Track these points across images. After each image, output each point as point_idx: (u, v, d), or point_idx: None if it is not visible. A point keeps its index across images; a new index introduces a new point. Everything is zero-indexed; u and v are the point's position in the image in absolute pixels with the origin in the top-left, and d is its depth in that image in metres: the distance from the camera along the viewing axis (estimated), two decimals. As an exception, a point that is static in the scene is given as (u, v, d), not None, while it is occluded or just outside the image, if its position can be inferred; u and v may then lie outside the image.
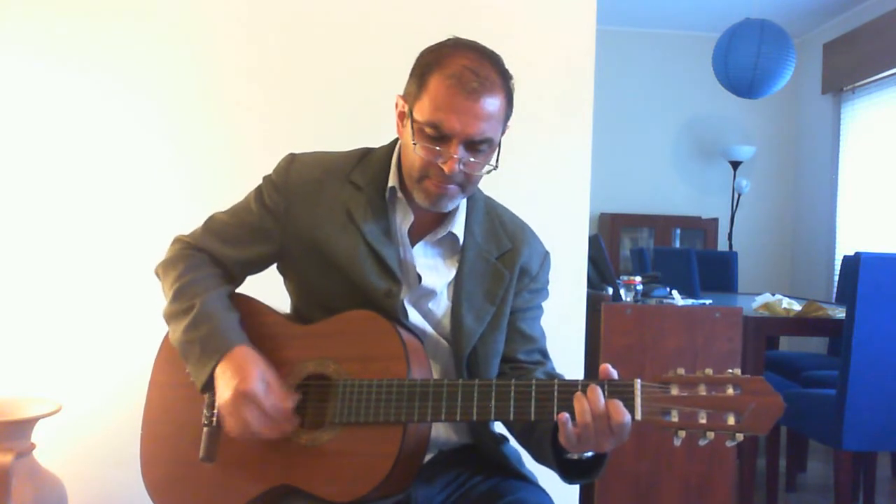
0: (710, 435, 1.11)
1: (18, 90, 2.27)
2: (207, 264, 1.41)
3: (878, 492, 3.40)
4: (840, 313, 3.17)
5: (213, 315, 1.33)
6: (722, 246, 6.16)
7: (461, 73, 1.24)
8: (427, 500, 1.35)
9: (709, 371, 1.14)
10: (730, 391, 1.12)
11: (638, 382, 1.14)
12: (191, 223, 1.51)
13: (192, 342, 1.32)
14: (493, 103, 1.26)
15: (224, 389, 1.26)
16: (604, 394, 1.15)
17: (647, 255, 5.13)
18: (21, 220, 2.26)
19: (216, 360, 1.28)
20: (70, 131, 2.28)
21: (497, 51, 1.33)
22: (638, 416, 1.13)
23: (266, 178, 1.43)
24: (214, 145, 2.31)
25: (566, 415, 1.15)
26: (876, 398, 2.68)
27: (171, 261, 1.42)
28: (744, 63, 4.53)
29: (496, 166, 1.32)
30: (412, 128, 1.28)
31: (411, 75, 1.32)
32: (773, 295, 3.55)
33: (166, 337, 1.42)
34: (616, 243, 6.03)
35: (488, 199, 1.49)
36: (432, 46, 1.31)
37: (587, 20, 2.36)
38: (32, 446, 2.05)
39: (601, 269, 2.86)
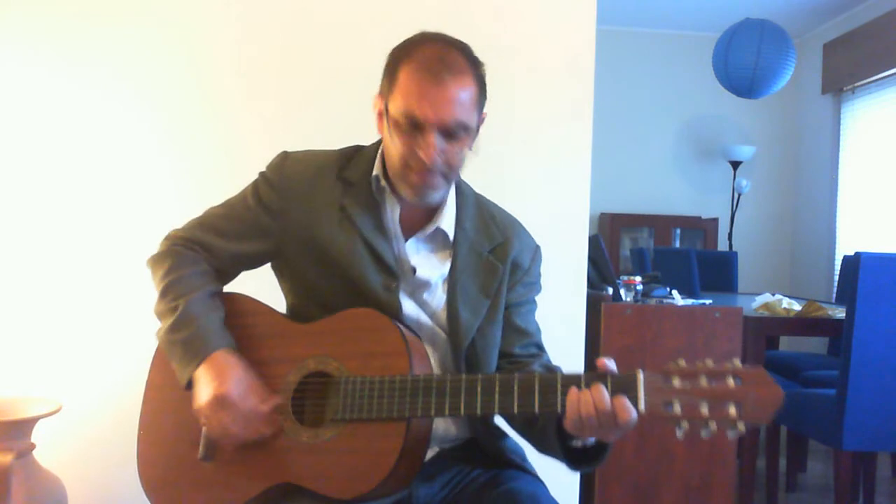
0: (713, 426, 1.11)
1: (16, 90, 2.27)
2: (196, 261, 1.41)
3: (878, 492, 3.40)
4: (840, 313, 3.17)
5: (195, 317, 1.33)
6: (722, 246, 6.16)
7: (428, 61, 1.26)
8: (428, 499, 1.35)
9: (709, 362, 1.15)
10: (730, 382, 1.13)
11: (640, 375, 1.14)
12: (189, 223, 1.50)
13: (174, 344, 1.33)
14: (463, 88, 1.26)
15: (202, 393, 1.27)
16: (608, 389, 1.14)
17: (647, 255, 5.12)
18: (21, 220, 2.26)
19: (196, 363, 1.29)
20: (69, 132, 2.28)
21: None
22: (642, 409, 1.13)
23: (261, 175, 1.43)
24: (213, 146, 2.31)
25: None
26: (876, 398, 2.68)
27: (160, 257, 1.42)
28: (744, 63, 4.53)
29: (470, 147, 1.31)
30: (389, 123, 1.29)
31: (384, 73, 1.33)
32: (773, 295, 3.55)
33: None
34: (616, 243, 6.02)
35: (478, 195, 1.49)
36: (400, 43, 1.33)
37: (587, 20, 2.36)
38: (32, 446, 2.05)
39: (601, 269, 2.86)
